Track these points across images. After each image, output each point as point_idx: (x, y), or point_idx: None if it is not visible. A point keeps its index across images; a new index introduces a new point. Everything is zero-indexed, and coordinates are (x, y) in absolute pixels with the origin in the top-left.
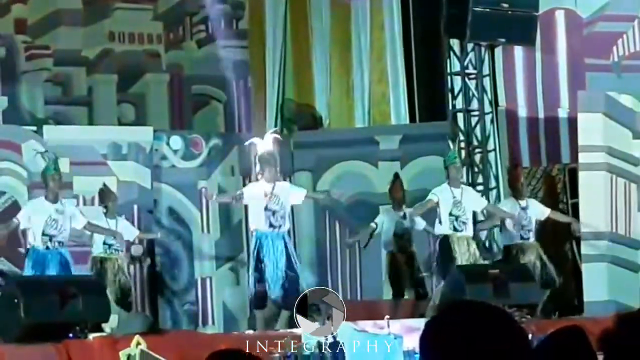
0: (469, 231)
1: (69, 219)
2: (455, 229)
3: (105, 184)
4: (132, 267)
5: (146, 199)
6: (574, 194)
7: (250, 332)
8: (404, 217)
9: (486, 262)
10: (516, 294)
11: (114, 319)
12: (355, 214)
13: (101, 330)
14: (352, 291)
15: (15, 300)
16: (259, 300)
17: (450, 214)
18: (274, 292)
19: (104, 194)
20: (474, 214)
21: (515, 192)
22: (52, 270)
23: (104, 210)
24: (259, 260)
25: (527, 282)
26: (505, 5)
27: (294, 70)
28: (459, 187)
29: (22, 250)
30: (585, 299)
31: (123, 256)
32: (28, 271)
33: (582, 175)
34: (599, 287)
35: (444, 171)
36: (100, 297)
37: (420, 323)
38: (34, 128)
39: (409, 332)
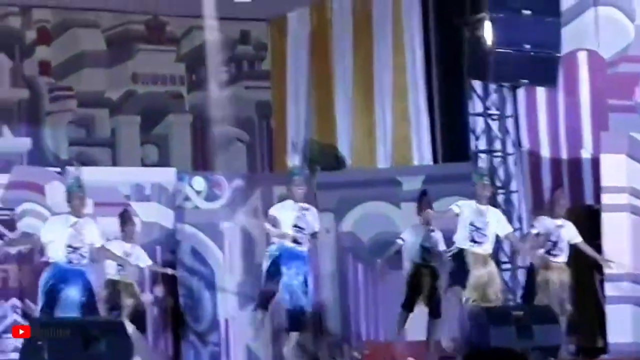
0: (488, 247)
1: (90, 235)
2: (473, 240)
3: (127, 209)
4: (154, 308)
5: (169, 240)
6: (597, 235)
7: None
8: (430, 232)
9: (510, 302)
10: (539, 336)
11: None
12: (378, 254)
13: None
14: (374, 331)
15: (39, 342)
16: (264, 300)
17: (471, 224)
18: (284, 299)
19: (125, 217)
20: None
21: (552, 212)
22: (71, 286)
23: (122, 234)
24: (276, 265)
25: (550, 323)
26: (528, 46)
27: (316, 111)
28: (486, 204)
29: None
30: (610, 340)
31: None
32: (44, 282)
33: (605, 216)
34: (623, 328)
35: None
36: (123, 338)
37: None
38: (58, 169)
39: None
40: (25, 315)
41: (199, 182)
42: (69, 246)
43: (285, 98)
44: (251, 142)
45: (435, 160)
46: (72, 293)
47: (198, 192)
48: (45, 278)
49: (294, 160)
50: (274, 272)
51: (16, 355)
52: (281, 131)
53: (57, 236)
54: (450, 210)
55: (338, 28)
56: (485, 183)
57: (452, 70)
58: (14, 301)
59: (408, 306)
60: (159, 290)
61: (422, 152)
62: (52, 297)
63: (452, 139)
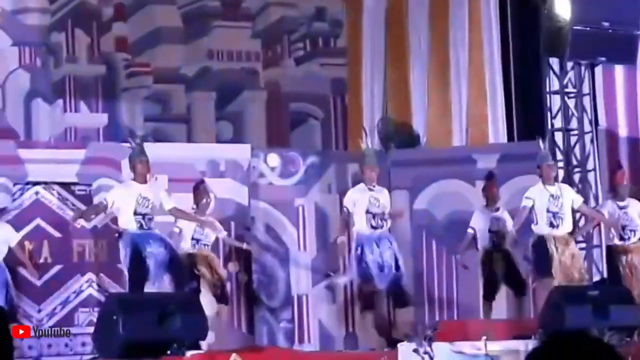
0: (567, 228)
1: (158, 199)
2: (552, 225)
3: (202, 182)
4: (229, 283)
5: (243, 216)
6: None
7: (348, 351)
8: (498, 215)
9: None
10: (615, 316)
11: (210, 336)
12: (452, 232)
13: (198, 347)
14: (448, 310)
15: (114, 317)
16: (367, 300)
17: (548, 211)
18: (380, 284)
19: (199, 191)
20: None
21: (615, 194)
22: (152, 248)
23: (194, 208)
24: (361, 262)
25: (627, 304)
26: (606, 23)
27: (392, 88)
28: (554, 184)
29: (120, 266)
30: None
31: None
32: (125, 254)
33: None
34: None
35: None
36: (198, 314)
37: (517, 345)
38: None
39: (506, 354)
40: (101, 289)
41: (273, 158)
42: (137, 213)
43: (360, 75)
44: (326, 119)
45: (510, 139)
46: (156, 253)
47: (272, 169)
48: (124, 247)
49: (367, 141)
50: (360, 265)
51: (91, 329)
52: (356, 108)
53: (124, 203)
54: (524, 208)
55: (414, 5)
56: (550, 164)
57: (529, 47)
58: (90, 275)
59: (489, 296)
60: (233, 267)
61: (497, 130)
62: (138, 263)
63: (528, 117)
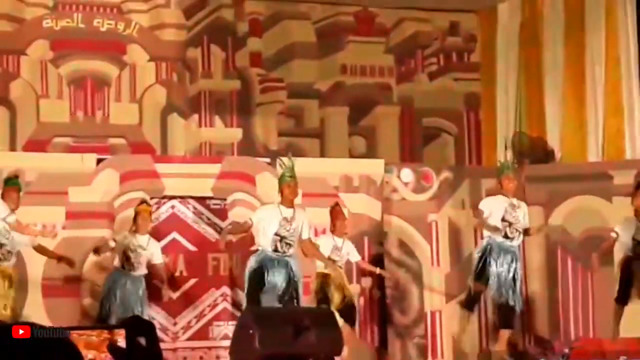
0: None
1: (299, 227)
2: None
3: (338, 202)
4: (361, 298)
5: (376, 231)
6: None
7: None
8: None
9: None
10: None
11: (344, 351)
12: (588, 249)
13: None
14: (584, 328)
15: (251, 331)
16: (472, 301)
17: None
18: (493, 294)
19: (334, 212)
20: None
21: None
22: (276, 273)
23: (332, 227)
24: (484, 263)
25: None
26: None
27: (526, 103)
28: None
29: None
30: None
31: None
32: (250, 267)
33: None
34: None
35: None
36: (333, 329)
37: None
38: (268, 160)
39: None
40: (235, 303)
41: (406, 173)
42: (277, 234)
43: (494, 90)
44: (459, 134)
45: None
46: (276, 279)
47: (406, 184)
48: (252, 263)
49: (503, 154)
50: (482, 267)
51: (226, 342)
52: (490, 123)
53: (267, 224)
54: None
55: (549, 19)
56: None
57: None
58: (225, 289)
59: (622, 299)
60: (366, 282)
61: (635, 145)
62: (256, 282)
63: None
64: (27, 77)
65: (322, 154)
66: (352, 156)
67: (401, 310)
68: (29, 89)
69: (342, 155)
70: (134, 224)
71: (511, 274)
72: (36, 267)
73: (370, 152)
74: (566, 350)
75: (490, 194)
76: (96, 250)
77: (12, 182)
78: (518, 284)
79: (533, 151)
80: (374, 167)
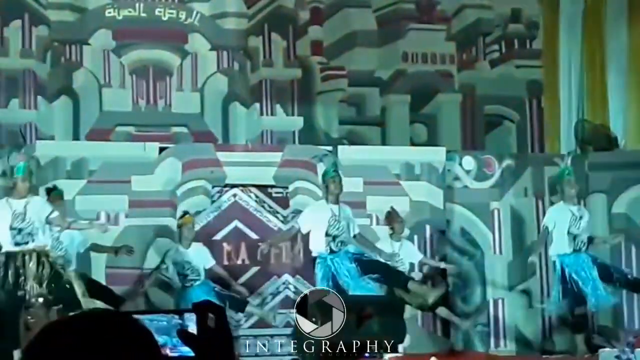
0: None
1: (347, 222)
2: None
3: (393, 207)
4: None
5: (438, 219)
6: None
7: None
8: None
9: None
10: None
11: (406, 339)
12: None
13: (396, 350)
14: None
15: (313, 319)
16: (579, 323)
17: None
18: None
19: (391, 217)
20: None
21: None
22: (342, 276)
23: (390, 232)
24: (565, 282)
25: None
26: None
27: (589, 90)
28: None
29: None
30: None
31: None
32: (321, 283)
33: None
34: None
35: None
36: (397, 317)
37: None
38: (329, 148)
39: None
40: (297, 291)
41: (468, 161)
42: (328, 234)
43: (556, 77)
44: (521, 122)
45: None
46: (347, 269)
47: (467, 172)
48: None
49: (566, 160)
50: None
51: (288, 330)
52: (552, 111)
53: (315, 227)
54: None
55: (612, 5)
56: None
57: None
58: (287, 277)
59: None
60: (428, 270)
61: None
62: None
63: None
64: (89, 67)
65: (384, 141)
66: (413, 144)
67: (463, 298)
68: (91, 79)
69: (403, 143)
70: (179, 237)
71: (594, 276)
72: (100, 255)
73: (432, 140)
74: (631, 339)
75: (552, 182)
76: (116, 252)
77: (57, 191)
78: (590, 284)
79: (596, 138)
80: (435, 154)
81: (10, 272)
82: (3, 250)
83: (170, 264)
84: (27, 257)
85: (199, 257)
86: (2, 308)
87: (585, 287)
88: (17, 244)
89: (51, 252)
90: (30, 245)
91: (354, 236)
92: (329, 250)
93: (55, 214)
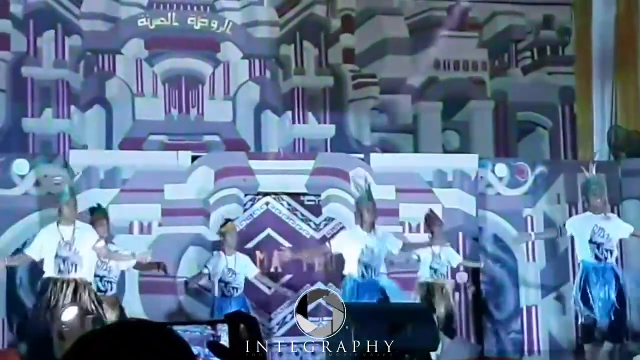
0: None
1: (384, 245)
2: None
3: (432, 209)
4: (457, 294)
5: (471, 226)
6: None
7: None
8: None
9: None
10: None
11: (439, 347)
12: None
13: (429, 358)
14: None
15: (346, 327)
16: (586, 333)
17: None
18: (601, 322)
19: (430, 220)
20: None
21: None
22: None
23: (430, 236)
24: (585, 292)
25: None
26: None
27: (622, 96)
28: None
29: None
30: None
31: (448, 282)
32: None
33: None
34: None
35: None
36: (430, 325)
37: None
38: (361, 156)
39: None
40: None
41: (501, 168)
42: (360, 261)
43: (589, 84)
44: (554, 128)
45: None
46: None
47: (500, 179)
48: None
49: (591, 169)
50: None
51: (320, 338)
52: (585, 117)
53: (347, 251)
54: None
55: None
56: None
57: None
58: (319, 285)
59: None
60: (462, 277)
61: None
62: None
63: None
64: (122, 76)
65: (416, 149)
66: (445, 151)
67: (497, 305)
68: (124, 88)
69: (435, 150)
70: (222, 245)
71: (603, 293)
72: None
73: (464, 147)
74: None
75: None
76: (187, 284)
77: (100, 210)
78: (624, 296)
79: (630, 144)
80: (468, 161)
81: (48, 297)
82: (45, 275)
83: (212, 271)
84: (64, 285)
85: (242, 265)
86: (37, 327)
87: (593, 301)
88: (59, 272)
89: (89, 285)
90: (72, 275)
91: (397, 251)
92: (360, 275)
93: (102, 243)
